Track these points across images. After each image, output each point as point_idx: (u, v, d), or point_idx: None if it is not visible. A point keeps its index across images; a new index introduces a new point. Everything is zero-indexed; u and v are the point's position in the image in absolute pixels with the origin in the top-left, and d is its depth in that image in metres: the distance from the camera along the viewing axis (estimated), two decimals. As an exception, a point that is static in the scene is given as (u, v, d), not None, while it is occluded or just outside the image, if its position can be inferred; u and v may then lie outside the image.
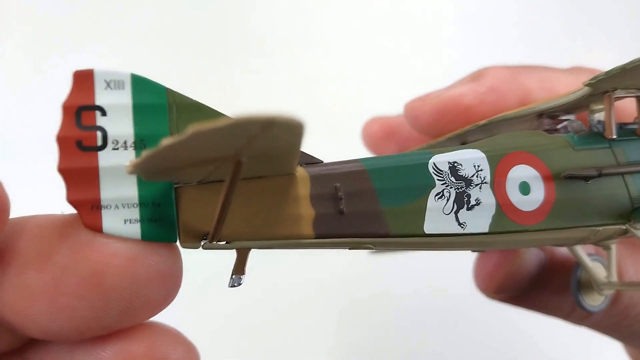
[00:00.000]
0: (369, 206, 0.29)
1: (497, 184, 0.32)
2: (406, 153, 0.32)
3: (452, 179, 0.31)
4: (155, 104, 0.26)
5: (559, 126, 0.40)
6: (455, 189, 0.31)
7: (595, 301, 0.44)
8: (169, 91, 0.27)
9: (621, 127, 0.39)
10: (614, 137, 0.37)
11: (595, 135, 0.37)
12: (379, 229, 0.30)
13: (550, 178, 0.34)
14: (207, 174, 0.25)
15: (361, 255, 0.73)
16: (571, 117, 0.40)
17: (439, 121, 0.46)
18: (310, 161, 0.30)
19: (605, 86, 0.37)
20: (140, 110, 0.26)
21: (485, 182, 0.32)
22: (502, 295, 0.45)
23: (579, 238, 0.36)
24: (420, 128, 0.47)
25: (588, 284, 0.43)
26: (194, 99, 0.28)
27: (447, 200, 0.31)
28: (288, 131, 0.20)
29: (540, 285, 0.45)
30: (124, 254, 0.26)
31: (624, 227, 0.36)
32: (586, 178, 0.34)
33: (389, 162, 0.31)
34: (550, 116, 0.41)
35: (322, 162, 0.30)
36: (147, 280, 0.27)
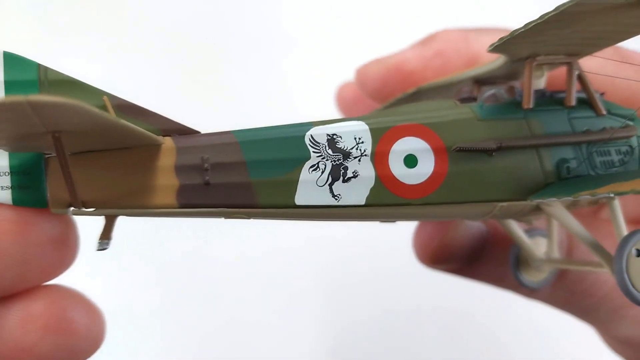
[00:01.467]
0: (238, 177, 0.30)
1: (379, 157, 0.32)
2: (285, 125, 0.32)
3: (330, 151, 0.31)
4: (26, 80, 0.28)
5: (486, 94, 0.38)
6: (331, 162, 0.31)
7: (535, 277, 0.43)
8: (41, 67, 0.29)
9: (552, 96, 0.37)
10: (531, 107, 0.35)
11: (512, 105, 0.36)
12: (247, 199, 0.30)
13: (443, 151, 0.33)
14: (45, 146, 0.27)
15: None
16: (516, 84, 0.38)
17: (384, 86, 0.45)
18: (185, 132, 0.31)
19: (522, 52, 0.35)
20: (12, 87, 0.28)
21: (366, 155, 0.32)
22: (443, 266, 0.45)
23: (478, 213, 0.35)
24: (367, 93, 0.47)
25: (527, 260, 0.42)
26: (68, 75, 0.30)
27: (322, 172, 0.31)
28: (64, 111, 0.22)
29: (484, 257, 0.44)
30: (13, 219, 0.29)
31: (533, 203, 0.34)
32: (484, 151, 0.33)
33: (264, 134, 0.31)
34: (489, 83, 0.39)
35: (198, 133, 0.31)
36: (38, 244, 0.29)
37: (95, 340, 0.31)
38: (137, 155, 0.29)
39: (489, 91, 0.37)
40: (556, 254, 0.42)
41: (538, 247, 0.42)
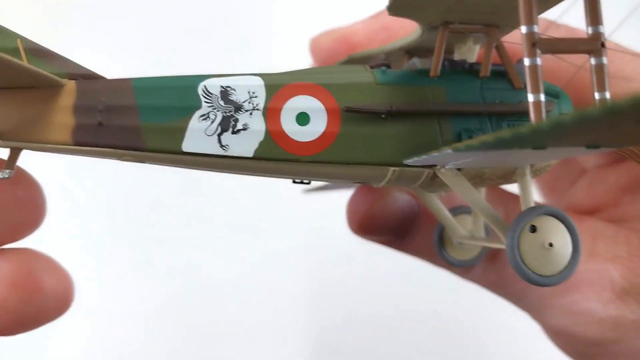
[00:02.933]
0: (128, 121, 0.32)
1: (271, 112, 0.33)
2: (183, 75, 0.34)
3: (221, 102, 0.33)
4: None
5: (408, 63, 0.39)
6: (222, 113, 0.33)
7: (462, 255, 0.43)
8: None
9: (471, 67, 0.37)
10: (438, 75, 0.35)
11: (419, 73, 0.36)
12: (135, 142, 0.32)
13: (337, 111, 0.33)
14: None
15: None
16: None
17: (333, 56, 0.46)
18: (92, 77, 0.33)
19: (430, 18, 0.34)
20: None
21: (258, 109, 0.33)
22: (372, 237, 0.45)
23: (371, 176, 0.35)
24: (318, 62, 0.47)
25: (450, 238, 0.42)
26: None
27: (212, 122, 0.33)
28: None
29: (414, 232, 0.44)
30: None
31: (431, 170, 0.34)
32: (374, 113, 0.33)
33: (160, 82, 0.33)
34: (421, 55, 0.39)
35: (103, 78, 0.34)
36: (3, 205, 0.32)
37: (63, 300, 0.34)
38: (41, 94, 0.32)
39: (410, 61, 0.38)
40: (481, 231, 0.41)
41: (463, 224, 0.42)
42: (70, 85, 0.32)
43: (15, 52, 0.32)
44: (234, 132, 0.33)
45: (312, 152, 0.33)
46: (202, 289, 0.78)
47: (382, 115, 0.33)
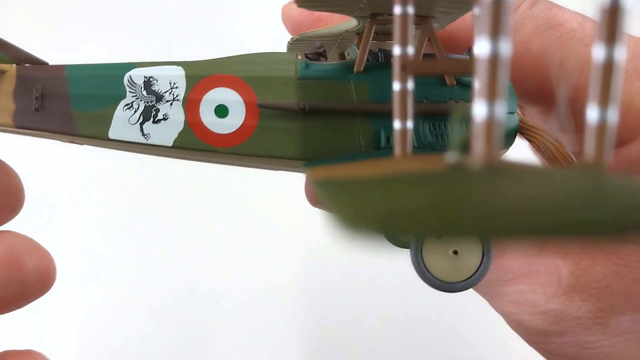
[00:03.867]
0: (62, 108, 0.35)
1: (191, 103, 0.34)
2: (112, 64, 0.35)
3: (144, 92, 0.34)
4: None
5: (346, 52, 0.38)
6: (145, 102, 0.34)
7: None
8: None
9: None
10: (361, 70, 0.34)
11: (344, 67, 0.35)
12: (69, 128, 0.35)
13: (255, 105, 0.34)
14: None
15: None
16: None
17: (299, 28, 0.45)
18: (35, 63, 0.36)
19: (358, 11, 0.33)
20: None
21: (178, 100, 0.34)
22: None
23: (287, 169, 0.35)
24: (290, 31, 0.47)
25: None
26: None
27: (135, 111, 0.34)
28: None
29: None
30: None
31: None
32: (287, 110, 0.33)
33: (90, 71, 0.35)
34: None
35: (47, 64, 0.36)
36: None
37: (45, 277, 0.35)
38: None
39: (348, 49, 0.37)
40: None
41: None
42: (12, 70, 0.35)
43: None
44: (154, 122, 0.34)
45: (230, 144, 0.34)
46: (202, 287, 0.80)
47: (297, 113, 0.33)
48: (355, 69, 0.34)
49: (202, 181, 0.77)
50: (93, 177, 0.74)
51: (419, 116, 0.34)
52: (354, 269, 0.79)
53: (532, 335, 0.42)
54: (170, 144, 0.34)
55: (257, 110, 0.34)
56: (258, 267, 0.78)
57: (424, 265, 0.32)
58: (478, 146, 0.15)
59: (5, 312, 0.35)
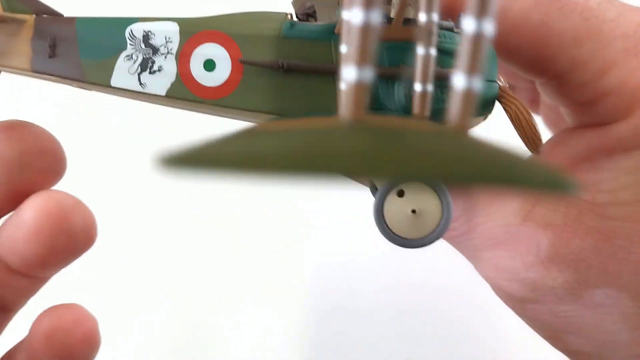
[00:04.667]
0: (72, 56, 0.38)
1: (182, 57, 0.37)
2: (117, 18, 0.38)
3: (142, 45, 0.37)
4: None
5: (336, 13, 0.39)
6: (142, 54, 0.37)
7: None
8: None
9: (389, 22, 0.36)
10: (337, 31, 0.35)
11: (329, 29, 0.36)
12: (77, 75, 0.38)
13: (239, 61, 0.36)
14: None
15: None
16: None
17: None
18: (51, 13, 0.39)
19: None
20: None
21: (171, 53, 0.37)
22: None
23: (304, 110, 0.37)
24: None
25: None
26: None
27: (134, 62, 0.37)
28: None
29: None
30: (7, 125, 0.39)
31: None
32: (265, 67, 0.35)
33: (97, 23, 0.38)
34: None
35: (62, 15, 0.39)
36: (31, 153, 0.37)
37: (89, 234, 0.37)
38: (8, 27, 0.39)
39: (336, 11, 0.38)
40: None
41: None
42: (30, 20, 0.39)
43: None
44: (150, 73, 0.37)
45: (216, 96, 0.37)
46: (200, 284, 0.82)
47: (278, 70, 0.35)
48: (336, 30, 0.35)
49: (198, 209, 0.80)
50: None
51: (392, 78, 0.35)
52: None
53: (509, 301, 0.43)
54: (164, 94, 0.38)
55: (242, 66, 0.36)
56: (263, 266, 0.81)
57: (384, 221, 0.33)
58: (346, 106, 0.17)
59: (55, 267, 0.37)
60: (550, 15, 0.39)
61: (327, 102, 0.35)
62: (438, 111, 0.34)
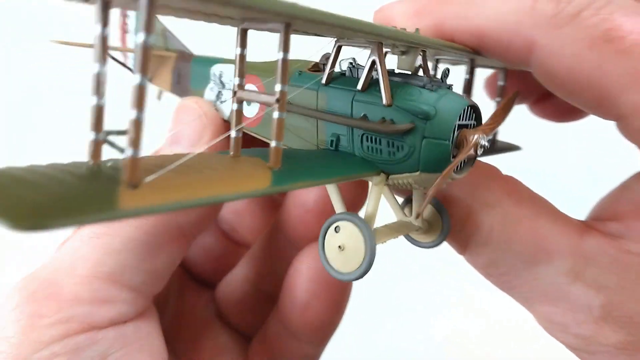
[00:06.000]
0: (186, 84, 0.54)
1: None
2: (209, 58, 0.52)
3: (218, 81, 0.51)
4: None
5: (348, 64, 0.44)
6: (218, 88, 0.51)
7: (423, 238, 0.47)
8: None
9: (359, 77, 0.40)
10: (324, 83, 0.42)
11: (319, 80, 0.42)
12: (187, 93, 0.54)
13: None
14: None
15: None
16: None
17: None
18: (186, 52, 0.56)
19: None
20: None
21: (228, 90, 0.49)
22: None
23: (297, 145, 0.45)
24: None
25: None
26: None
27: (213, 92, 0.51)
28: None
29: None
30: None
31: None
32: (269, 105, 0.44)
33: (199, 61, 0.53)
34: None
35: (191, 54, 0.56)
36: None
37: None
38: (163, 59, 0.57)
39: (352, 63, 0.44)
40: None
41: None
42: (174, 56, 0.56)
43: (161, 32, 0.58)
44: (221, 102, 0.51)
45: (251, 125, 0.48)
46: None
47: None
48: (323, 82, 0.42)
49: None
50: None
51: (357, 128, 0.40)
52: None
53: (567, 348, 0.43)
54: (226, 118, 0.50)
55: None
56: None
57: (325, 255, 0.39)
58: None
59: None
60: (605, 58, 0.37)
61: (310, 135, 0.43)
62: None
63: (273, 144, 0.33)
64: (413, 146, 0.37)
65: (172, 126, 0.49)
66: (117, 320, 0.41)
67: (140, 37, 0.24)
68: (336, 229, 0.38)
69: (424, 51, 0.42)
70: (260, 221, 0.59)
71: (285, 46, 0.31)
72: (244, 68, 0.34)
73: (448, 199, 0.44)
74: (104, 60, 0.26)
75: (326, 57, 0.45)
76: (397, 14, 0.46)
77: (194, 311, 0.58)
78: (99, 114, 0.27)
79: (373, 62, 0.38)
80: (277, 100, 0.32)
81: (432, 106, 0.37)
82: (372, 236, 0.37)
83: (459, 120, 0.38)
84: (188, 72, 0.55)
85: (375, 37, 0.36)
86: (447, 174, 0.35)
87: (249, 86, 0.48)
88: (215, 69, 0.51)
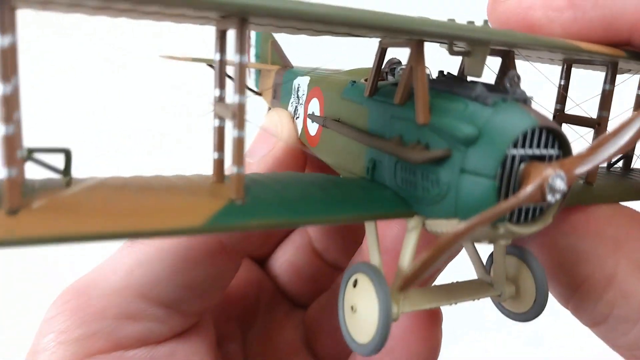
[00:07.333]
0: (279, 99, 0.51)
1: (305, 108, 0.43)
2: (293, 71, 0.46)
3: (296, 95, 0.46)
4: None
5: (397, 69, 0.36)
6: (295, 102, 0.46)
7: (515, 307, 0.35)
8: None
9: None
10: (369, 95, 0.33)
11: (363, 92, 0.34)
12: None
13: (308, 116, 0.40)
14: None
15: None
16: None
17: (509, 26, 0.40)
18: (287, 65, 0.53)
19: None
20: None
21: (301, 104, 0.44)
22: None
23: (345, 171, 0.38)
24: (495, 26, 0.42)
25: None
26: None
27: (292, 106, 0.47)
28: None
29: None
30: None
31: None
32: (320, 122, 0.38)
33: (290, 74, 0.49)
34: None
35: (290, 67, 0.52)
36: None
37: None
38: (268, 73, 0.54)
39: (399, 68, 0.35)
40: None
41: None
42: (274, 70, 0.53)
43: (271, 45, 0.55)
44: (296, 118, 0.45)
45: (314, 144, 0.41)
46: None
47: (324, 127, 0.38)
48: (365, 93, 0.34)
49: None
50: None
51: (386, 152, 0.31)
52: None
53: None
54: (299, 135, 0.45)
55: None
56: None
57: (343, 311, 0.31)
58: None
59: None
60: None
61: (354, 159, 0.34)
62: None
63: (234, 170, 0.26)
64: (448, 182, 0.27)
65: (255, 139, 0.46)
66: (147, 340, 0.38)
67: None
68: (355, 283, 0.30)
69: (509, 51, 0.31)
70: (352, 246, 0.52)
71: (242, 47, 0.25)
72: (224, 77, 0.29)
73: (574, 253, 0.32)
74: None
75: (392, 62, 0.37)
76: (536, 5, 0.35)
77: (282, 332, 0.53)
78: None
79: (411, 69, 0.29)
80: (234, 116, 0.26)
81: (475, 126, 0.26)
82: (388, 303, 0.27)
83: (522, 147, 0.26)
84: (279, 86, 0.51)
85: (419, 34, 0.27)
86: (475, 227, 0.24)
87: (314, 101, 0.42)
88: (296, 82, 0.46)
